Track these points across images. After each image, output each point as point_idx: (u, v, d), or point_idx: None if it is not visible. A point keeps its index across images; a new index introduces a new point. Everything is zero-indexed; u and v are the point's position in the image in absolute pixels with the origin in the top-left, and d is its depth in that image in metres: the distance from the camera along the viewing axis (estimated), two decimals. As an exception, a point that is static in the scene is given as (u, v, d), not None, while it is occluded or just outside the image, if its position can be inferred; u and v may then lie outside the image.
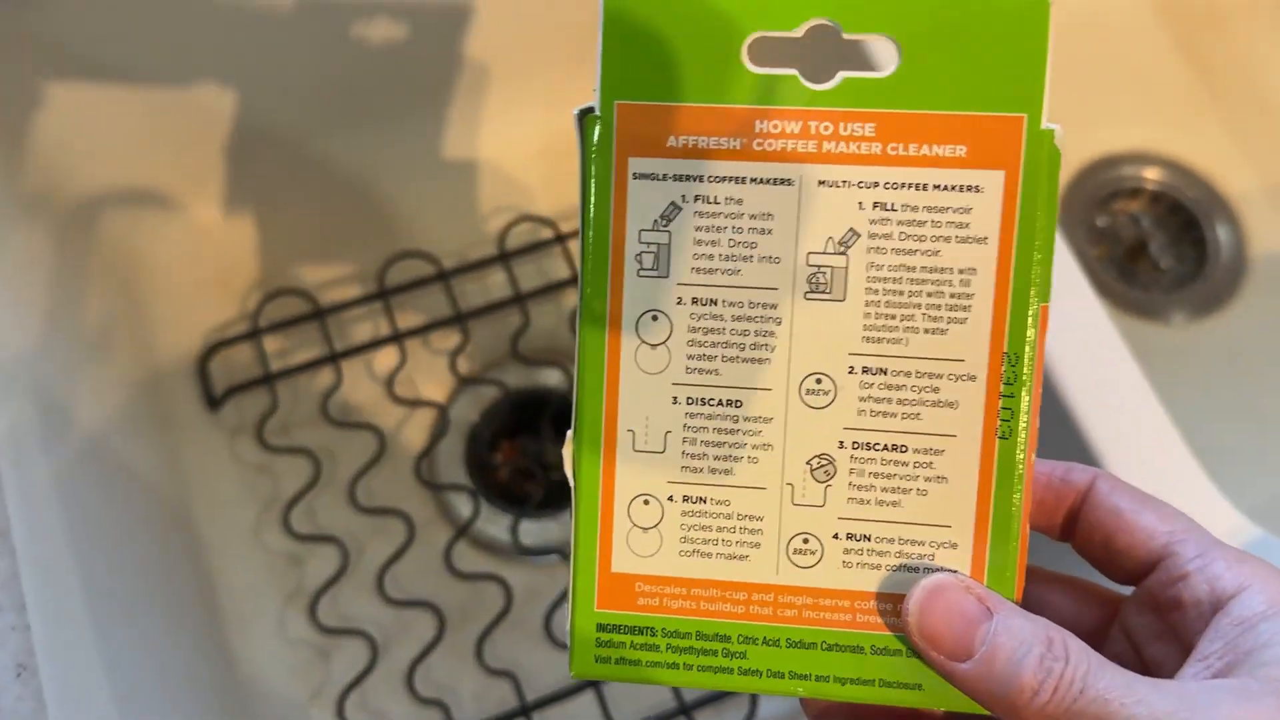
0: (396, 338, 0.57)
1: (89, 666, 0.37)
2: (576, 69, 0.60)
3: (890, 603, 0.25)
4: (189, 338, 0.57)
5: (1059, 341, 0.42)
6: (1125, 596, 0.27)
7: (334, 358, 0.56)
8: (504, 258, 0.58)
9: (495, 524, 0.55)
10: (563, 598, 0.51)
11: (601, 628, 0.26)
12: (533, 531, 0.54)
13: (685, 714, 0.50)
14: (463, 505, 0.55)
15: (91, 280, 0.54)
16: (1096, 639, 0.28)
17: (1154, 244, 0.65)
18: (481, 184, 0.61)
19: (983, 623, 0.23)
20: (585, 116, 0.25)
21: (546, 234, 0.59)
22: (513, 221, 0.59)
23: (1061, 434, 0.42)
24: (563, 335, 0.58)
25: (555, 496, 0.56)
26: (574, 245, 0.59)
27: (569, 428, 0.26)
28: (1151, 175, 0.66)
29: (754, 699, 0.50)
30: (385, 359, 0.57)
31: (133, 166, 0.56)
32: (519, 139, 0.61)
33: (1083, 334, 0.43)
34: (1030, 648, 0.23)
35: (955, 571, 0.25)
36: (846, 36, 0.24)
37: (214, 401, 0.56)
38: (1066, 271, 0.44)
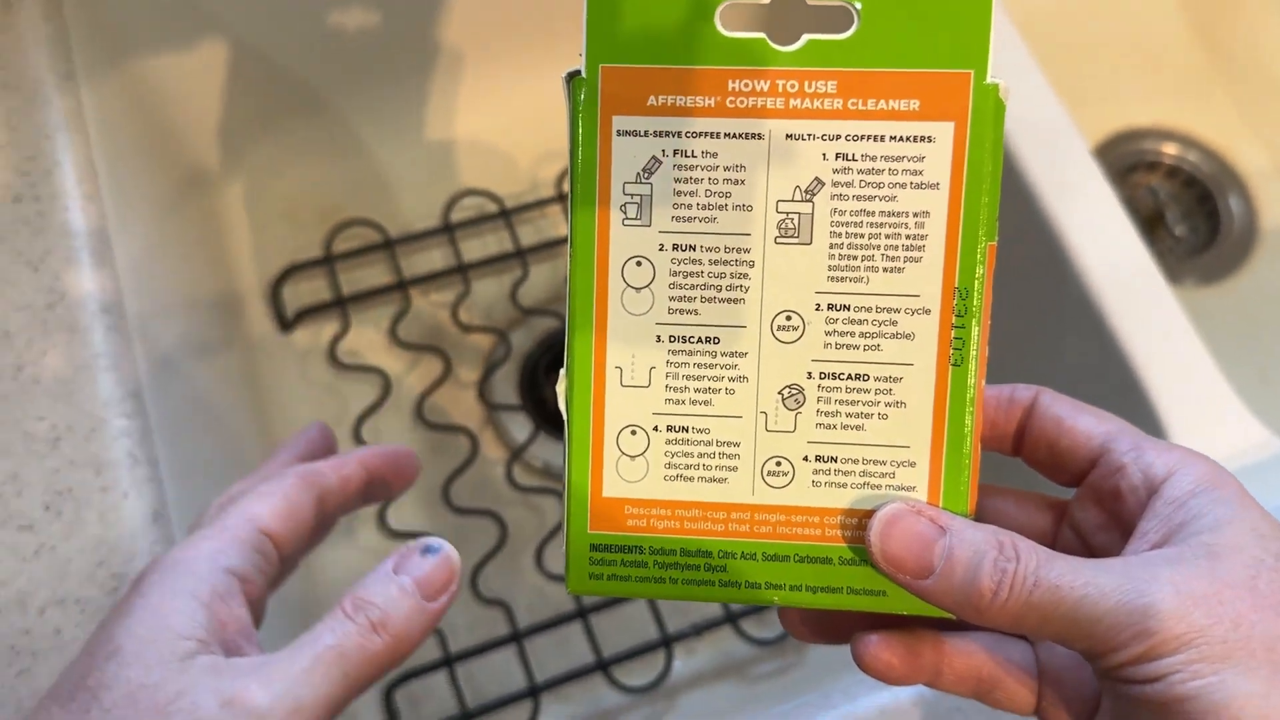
0: (461, 269, 0.60)
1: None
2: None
3: (855, 517, 0.27)
4: (263, 266, 0.60)
5: (1115, 287, 0.46)
6: (1071, 499, 0.30)
7: (402, 285, 0.59)
8: (561, 198, 0.62)
9: (548, 449, 0.58)
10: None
11: (594, 547, 0.28)
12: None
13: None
14: (518, 429, 0.58)
15: (182, 213, 0.57)
16: (1048, 539, 0.30)
17: (1170, 214, 0.69)
18: (540, 130, 0.64)
19: (938, 540, 0.26)
20: (572, 79, 0.27)
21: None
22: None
23: (1116, 371, 0.45)
24: (616, 274, 0.61)
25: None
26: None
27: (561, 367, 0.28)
28: (1169, 150, 0.70)
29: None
30: (450, 288, 0.60)
31: (213, 109, 0.59)
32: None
33: (1138, 286, 0.47)
34: (984, 554, 0.25)
35: (912, 489, 0.27)
36: (810, 2, 0.26)
37: (286, 324, 0.59)
38: (1122, 228, 0.48)
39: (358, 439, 0.56)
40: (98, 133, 0.45)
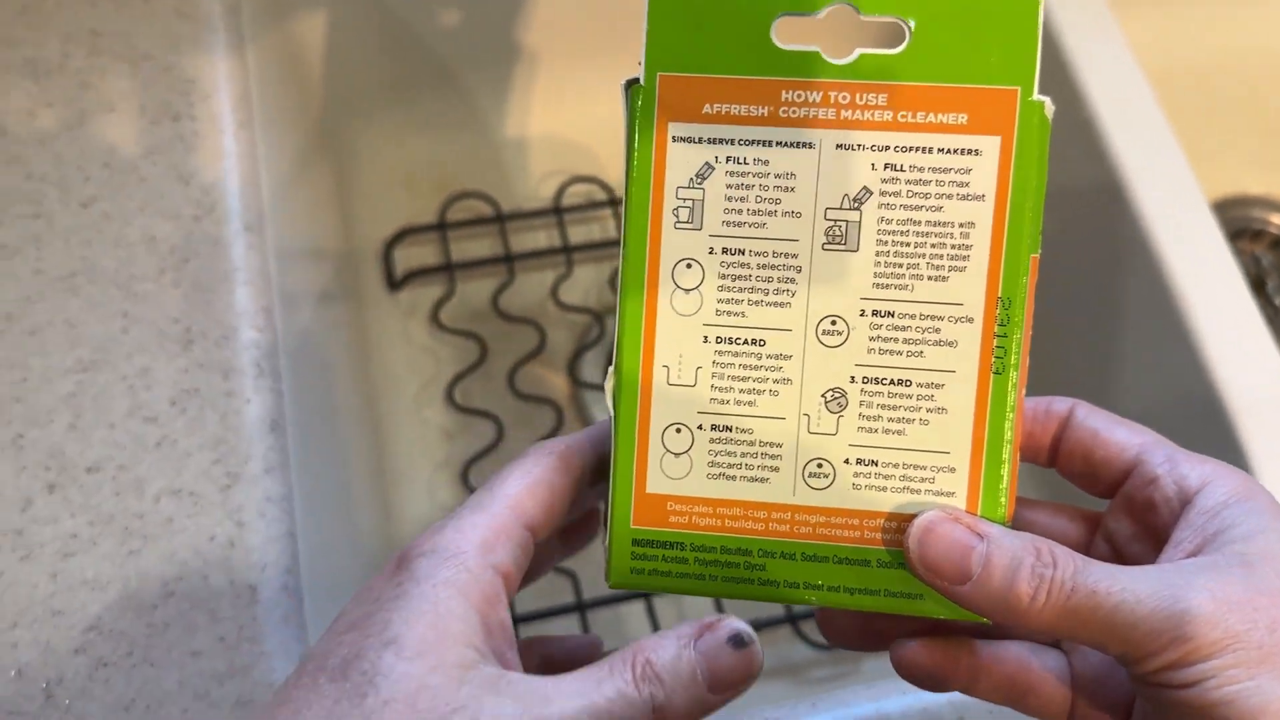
0: (565, 250, 0.61)
1: (317, 445, 0.42)
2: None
3: (895, 521, 0.27)
4: (379, 226, 0.62)
5: (1223, 339, 0.46)
6: (1104, 510, 0.30)
7: (508, 259, 0.61)
8: (672, 196, 0.63)
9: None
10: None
11: (637, 543, 0.28)
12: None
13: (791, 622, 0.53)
14: (601, 410, 0.59)
15: (314, 165, 0.59)
16: (1081, 549, 0.30)
17: (1270, 283, 0.69)
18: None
19: (975, 547, 0.26)
20: (631, 87, 0.27)
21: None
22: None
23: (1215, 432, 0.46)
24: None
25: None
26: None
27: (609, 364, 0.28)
28: (1277, 220, 0.70)
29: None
30: (553, 268, 0.62)
31: (354, 71, 0.62)
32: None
33: (1244, 340, 0.47)
34: (1021, 560, 0.25)
35: (951, 494, 0.27)
36: (863, 18, 0.27)
37: (394, 283, 0.61)
38: (1236, 289, 0.48)
39: (450, 400, 0.58)
40: (257, 73, 0.47)
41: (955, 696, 0.37)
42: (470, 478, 0.56)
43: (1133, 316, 0.51)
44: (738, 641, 0.26)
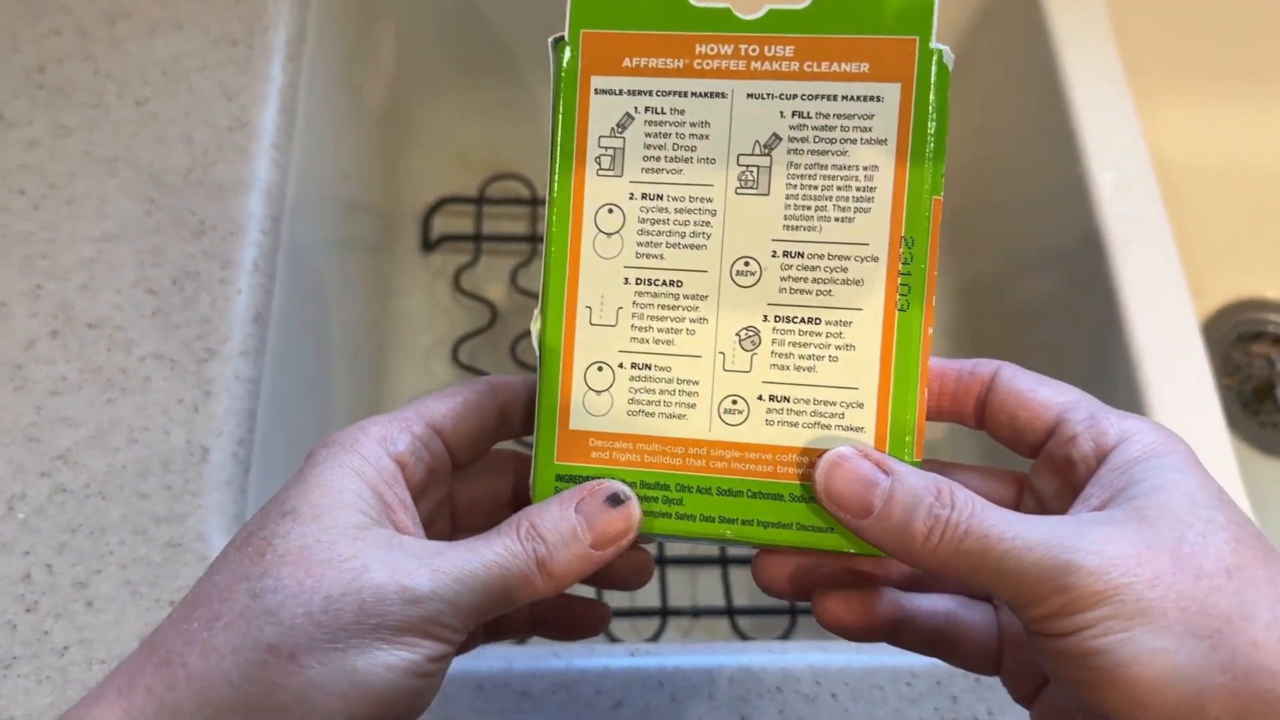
0: (589, 241, 0.65)
1: (303, 353, 0.46)
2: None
3: (807, 456, 0.28)
4: (424, 192, 0.67)
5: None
6: (1030, 469, 0.30)
7: (534, 239, 0.65)
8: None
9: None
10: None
11: (560, 478, 0.29)
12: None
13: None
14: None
15: (372, 124, 0.64)
16: (1010, 508, 0.30)
17: (1280, 389, 0.69)
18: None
19: (880, 483, 0.26)
20: (557, 43, 0.29)
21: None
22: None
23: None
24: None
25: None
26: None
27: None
28: (1296, 329, 0.70)
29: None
30: (575, 254, 0.65)
31: (426, 46, 0.67)
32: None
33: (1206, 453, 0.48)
34: (921, 499, 0.26)
35: (860, 430, 0.28)
36: None
37: (428, 245, 0.65)
38: (1204, 397, 0.48)
39: (454, 358, 0.62)
40: (317, 21, 0.52)
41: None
42: (456, 428, 0.59)
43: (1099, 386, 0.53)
44: (615, 500, 0.28)
